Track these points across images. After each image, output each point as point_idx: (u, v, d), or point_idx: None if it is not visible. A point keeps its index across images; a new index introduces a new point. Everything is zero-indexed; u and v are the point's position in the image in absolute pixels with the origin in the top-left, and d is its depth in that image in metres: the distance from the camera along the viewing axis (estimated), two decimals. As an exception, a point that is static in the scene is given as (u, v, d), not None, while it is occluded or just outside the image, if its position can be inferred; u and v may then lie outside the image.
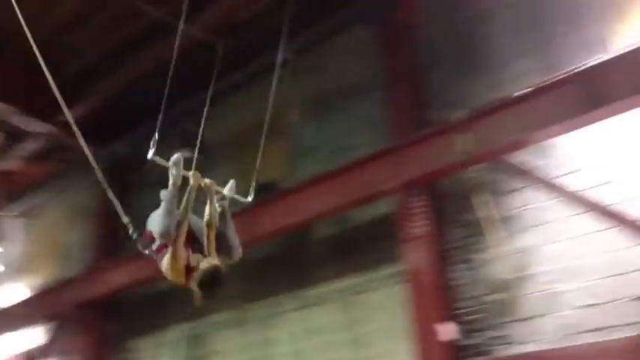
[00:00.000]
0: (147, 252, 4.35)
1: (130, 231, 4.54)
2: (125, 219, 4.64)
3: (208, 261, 4.03)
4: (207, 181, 4.54)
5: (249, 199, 5.07)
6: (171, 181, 4.33)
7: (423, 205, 6.14)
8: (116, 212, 9.68)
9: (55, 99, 5.26)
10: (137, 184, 9.52)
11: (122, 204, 9.73)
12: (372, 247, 6.62)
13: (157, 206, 9.59)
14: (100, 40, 8.58)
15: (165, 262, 4.14)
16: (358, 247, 6.77)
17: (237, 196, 4.85)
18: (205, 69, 8.49)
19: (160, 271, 7.93)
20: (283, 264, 7.48)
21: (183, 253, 4.04)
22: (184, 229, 4.08)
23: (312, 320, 6.98)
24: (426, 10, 6.99)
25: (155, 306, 8.56)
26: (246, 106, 8.41)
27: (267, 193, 7.03)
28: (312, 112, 7.73)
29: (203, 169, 8.78)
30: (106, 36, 8.50)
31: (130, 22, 8.37)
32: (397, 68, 6.90)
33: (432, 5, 6.97)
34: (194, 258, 4.10)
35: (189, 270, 4.03)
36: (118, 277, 8.41)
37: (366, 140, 6.89)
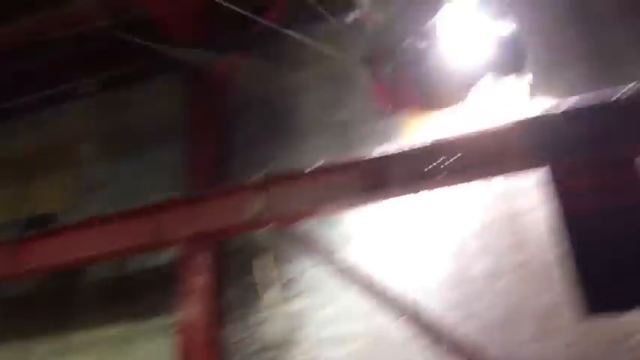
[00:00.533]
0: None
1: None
2: None
3: None
4: None
5: None
6: None
7: (206, 259, 6.17)
8: None
9: None
10: None
11: None
12: (147, 296, 6.43)
13: None
14: None
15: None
16: (133, 294, 6.53)
17: None
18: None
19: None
20: (46, 304, 6.90)
21: None
22: None
23: (71, 367, 6.49)
24: (242, 71, 7.22)
25: None
26: (33, 131, 7.86)
27: (43, 226, 6.55)
28: (109, 150, 7.44)
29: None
30: None
31: None
32: (204, 121, 6.99)
33: (249, 67, 7.22)
34: None
35: None
36: None
37: (160, 187, 6.79)
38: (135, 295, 6.53)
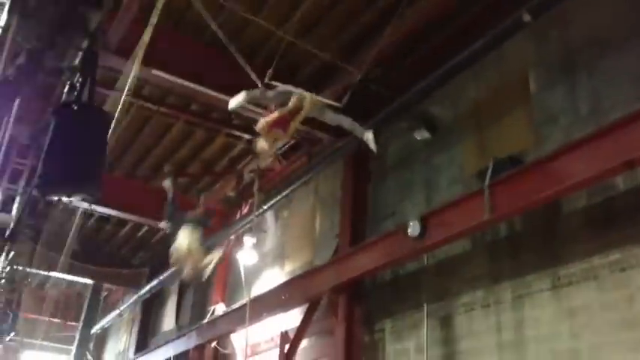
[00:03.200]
0: None
1: None
2: None
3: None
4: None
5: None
6: None
7: None
8: (361, 199, 9.92)
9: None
10: (377, 170, 9.81)
11: (365, 190, 10.00)
12: (637, 218, 5.89)
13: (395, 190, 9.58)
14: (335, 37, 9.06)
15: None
16: (619, 219, 6.08)
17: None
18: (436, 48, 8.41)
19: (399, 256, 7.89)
20: (530, 241, 7.01)
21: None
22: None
23: (568, 300, 6.40)
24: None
25: (400, 288, 8.64)
26: (478, 79, 8.12)
27: (512, 167, 6.65)
28: (556, 75, 7.13)
29: (435, 150, 8.72)
30: (339, 33, 8.97)
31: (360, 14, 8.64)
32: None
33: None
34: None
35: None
36: (363, 262, 8.58)
37: (621, 99, 6.18)
38: (622, 218, 6.06)
